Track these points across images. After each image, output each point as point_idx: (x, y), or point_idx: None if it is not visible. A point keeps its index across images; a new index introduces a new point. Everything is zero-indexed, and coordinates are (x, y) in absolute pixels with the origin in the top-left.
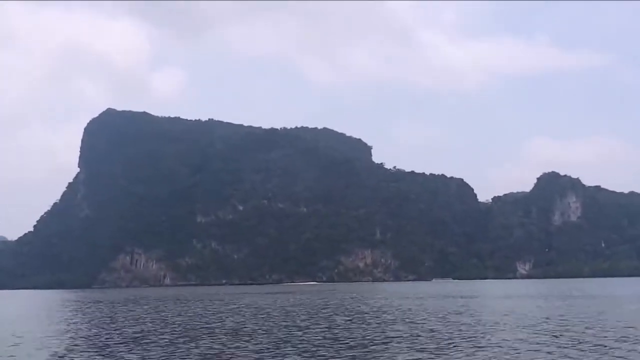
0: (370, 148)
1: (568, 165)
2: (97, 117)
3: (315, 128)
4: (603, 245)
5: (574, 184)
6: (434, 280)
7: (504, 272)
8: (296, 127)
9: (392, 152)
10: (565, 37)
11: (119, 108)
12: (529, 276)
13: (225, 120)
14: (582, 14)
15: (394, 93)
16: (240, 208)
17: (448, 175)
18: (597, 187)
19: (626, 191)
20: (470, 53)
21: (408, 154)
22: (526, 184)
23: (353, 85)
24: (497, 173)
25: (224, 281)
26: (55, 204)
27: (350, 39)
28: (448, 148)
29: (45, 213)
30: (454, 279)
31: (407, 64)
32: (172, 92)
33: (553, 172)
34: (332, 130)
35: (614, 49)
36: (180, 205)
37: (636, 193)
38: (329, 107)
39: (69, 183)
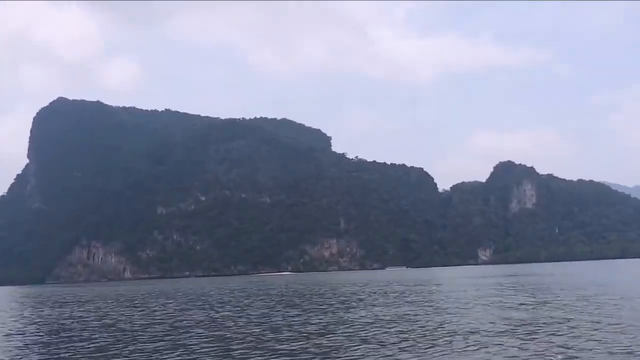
0: (329, 138)
1: (512, 157)
2: (47, 106)
3: (275, 119)
4: (557, 231)
5: (529, 173)
6: (387, 268)
7: (466, 258)
8: (256, 118)
9: (344, 142)
10: (507, 35)
11: (69, 98)
12: (489, 262)
13: (181, 111)
14: (522, 12)
15: (346, 86)
16: (202, 199)
17: (408, 165)
18: (550, 175)
19: (575, 179)
20: (420, 49)
21: (358, 144)
22: (474, 175)
23: (306, 77)
24: (446, 164)
25: (187, 273)
26: (2, 196)
27: (303, 33)
28: (397, 139)
29: None
30: (408, 267)
31: (359, 59)
32: (125, 82)
33: (509, 161)
34: (292, 121)
35: (552, 45)
36: (139, 196)
37: (584, 181)
38: (283, 98)
39: (18, 175)
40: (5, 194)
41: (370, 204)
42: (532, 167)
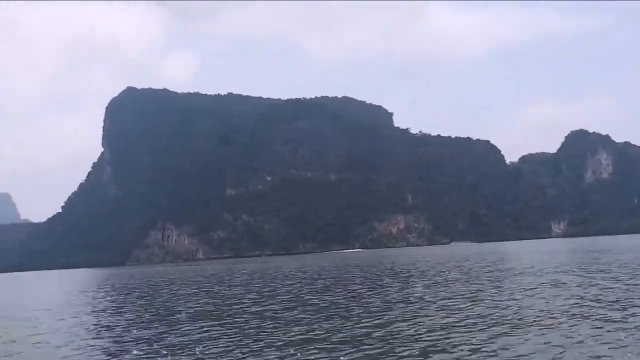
0: (391, 114)
1: (574, 127)
2: (117, 96)
3: (336, 97)
4: (636, 201)
5: (603, 141)
6: (452, 244)
7: (539, 232)
8: (317, 97)
9: (404, 119)
10: (565, 3)
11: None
12: (564, 235)
13: (244, 94)
14: None
15: (402, 62)
16: (269, 179)
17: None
18: (627, 143)
19: None
20: (476, 21)
21: (417, 120)
22: (534, 147)
23: (360, 58)
24: (506, 136)
25: (257, 252)
26: (81, 184)
27: (354, 14)
28: (455, 113)
29: (72, 194)
30: (473, 241)
31: (414, 35)
32: (186, 72)
33: (581, 129)
34: (353, 99)
35: (613, 10)
36: (208, 179)
37: None
38: (341, 78)
39: (94, 163)
40: (83, 181)
41: (436, 179)
42: (607, 135)
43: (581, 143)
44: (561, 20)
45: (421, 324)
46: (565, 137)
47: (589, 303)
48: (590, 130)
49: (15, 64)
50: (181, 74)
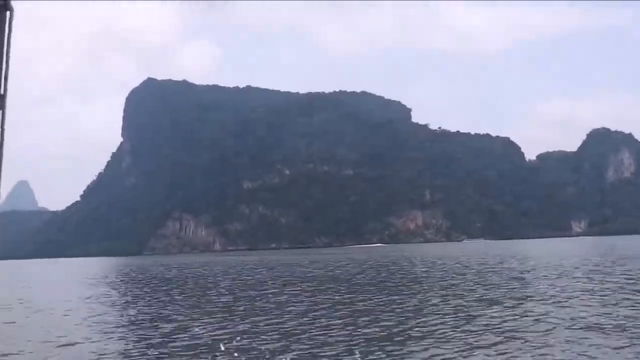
0: (409, 110)
1: (591, 125)
2: (137, 87)
3: (354, 92)
4: None
5: (626, 139)
6: (464, 241)
7: (558, 230)
8: (335, 91)
9: (421, 114)
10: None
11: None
12: (584, 234)
13: (262, 87)
14: None
15: (419, 59)
16: (286, 172)
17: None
18: None
19: None
20: (492, 18)
21: (434, 116)
22: (551, 144)
23: (378, 53)
24: (522, 133)
25: (273, 245)
26: (100, 174)
27: (369, 8)
28: (471, 110)
29: (91, 183)
30: (488, 239)
31: (430, 32)
32: (205, 64)
33: (603, 128)
34: (371, 94)
35: (631, 6)
36: (226, 171)
37: None
38: (359, 73)
39: (113, 153)
40: (102, 171)
41: (455, 175)
42: (630, 134)
43: (603, 141)
44: (582, 17)
45: None
46: (587, 135)
47: None
48: (613, 129)
49: (36, 54)
50: (200, 65)
